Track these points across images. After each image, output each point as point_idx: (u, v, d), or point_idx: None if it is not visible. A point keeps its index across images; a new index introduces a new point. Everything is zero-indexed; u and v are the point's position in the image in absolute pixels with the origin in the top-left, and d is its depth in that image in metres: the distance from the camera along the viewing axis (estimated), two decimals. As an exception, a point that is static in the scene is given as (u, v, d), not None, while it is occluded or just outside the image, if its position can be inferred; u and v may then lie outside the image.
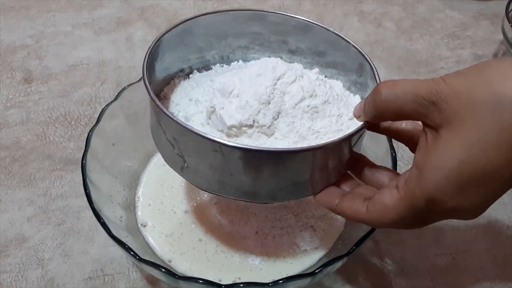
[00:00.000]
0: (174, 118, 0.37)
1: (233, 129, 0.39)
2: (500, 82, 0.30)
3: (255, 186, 0.39)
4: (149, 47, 0.42)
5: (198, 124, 0.41)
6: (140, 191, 0.53)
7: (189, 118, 0.42)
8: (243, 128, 0.39)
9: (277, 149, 0.37)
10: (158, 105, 0.38)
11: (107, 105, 0.50)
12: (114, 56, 0.68)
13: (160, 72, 0.45)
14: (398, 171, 0.46)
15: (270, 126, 0.39)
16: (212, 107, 0.40)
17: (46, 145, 0.59)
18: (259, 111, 0.39)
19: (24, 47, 0.69)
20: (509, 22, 0.63)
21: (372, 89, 0.42)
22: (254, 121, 0.39)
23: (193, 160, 0.39)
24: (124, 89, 0.51)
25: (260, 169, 0.37)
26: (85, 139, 0.48)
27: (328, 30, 0.46)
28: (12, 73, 0.66)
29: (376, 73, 0.42)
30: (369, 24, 0.74)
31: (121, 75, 0.66)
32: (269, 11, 0.47)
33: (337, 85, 0.46)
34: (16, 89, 0.65)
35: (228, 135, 0.39)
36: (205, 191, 0.42)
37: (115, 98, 0.51)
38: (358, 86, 0.45)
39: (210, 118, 0.41)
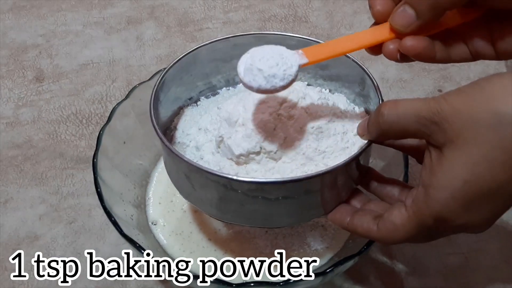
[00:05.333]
0: (185, 158, 0.38)
1: (242, 157, 0.40)
2: (500, 99, 0.30)
3: (267, 214, 0.40)
4: (154, 86, 0.43)
5: (209, 153, 0.42)
6: (151, 190, 0.53)
7: (199, 147, 0.43)
8: (251, 156, 0.40)
9: (285, 179, 0.38)
10: (167, 146, 0.39)
11: (118, 104, 0.50)
12: (124, 55, 0.68)
13: (170, 104, 0.46)
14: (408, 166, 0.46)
15: (277, 151, 0.40)
16: (220, 136, 0.41)
17: (58, 143, 0.59)
18: (265, 138, 0.39)
19: (36, 46, 0.70)
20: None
21: (374, 101, 0.42)
22: (261, 148, 0.40)
23: (205, 193, 0.40)
24: (135, 87, 0.52)
25: (272, 199, 0.38)
26: (96, 137, 0.48)
27: None
28: (23, 72, 0.67)
29: (377, 87, 0.42)
30: (380, 22, 0.73)
31: (132, 74, 0.66)
32: (269, 32, 0.47)
33: (341, 99, 0.45)
34: (27, 88, 0.65)
35: (238, 163, 0.40)
36: (219, 220, 0.44)
37: (126, 97, 0.51)
38: (362, 98, 0.45)
39: (219, 147, 0.41)
